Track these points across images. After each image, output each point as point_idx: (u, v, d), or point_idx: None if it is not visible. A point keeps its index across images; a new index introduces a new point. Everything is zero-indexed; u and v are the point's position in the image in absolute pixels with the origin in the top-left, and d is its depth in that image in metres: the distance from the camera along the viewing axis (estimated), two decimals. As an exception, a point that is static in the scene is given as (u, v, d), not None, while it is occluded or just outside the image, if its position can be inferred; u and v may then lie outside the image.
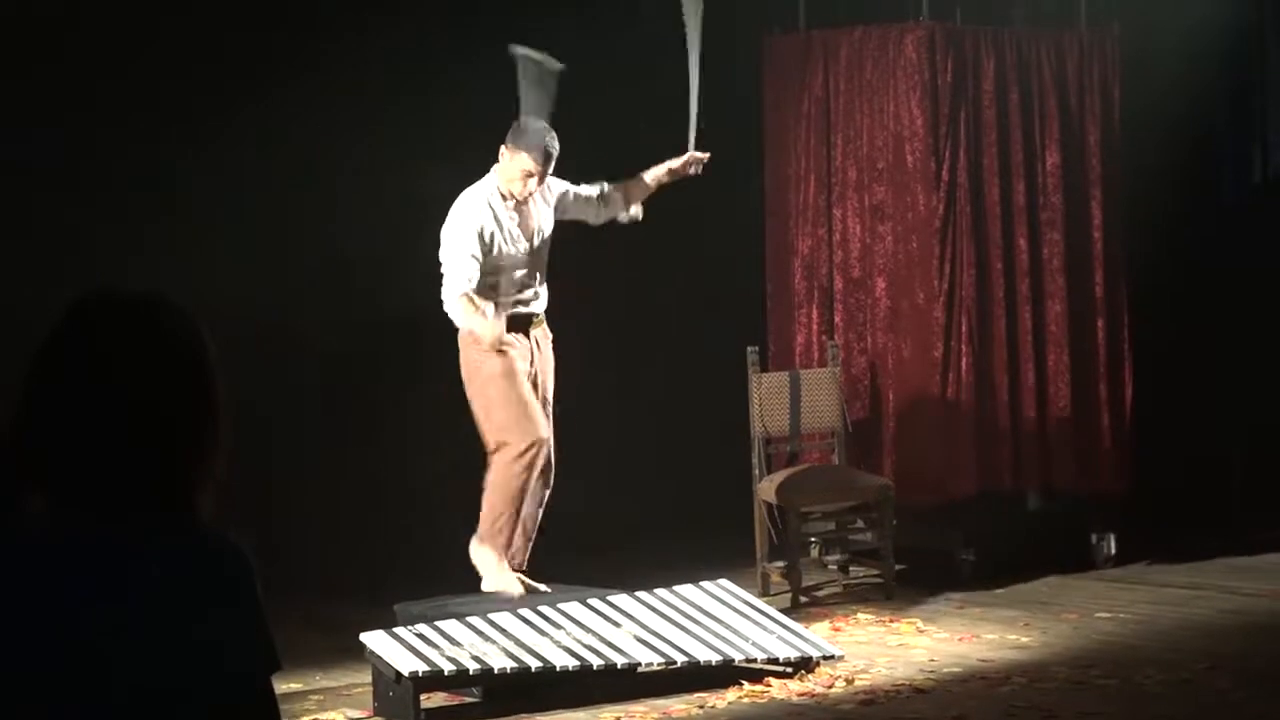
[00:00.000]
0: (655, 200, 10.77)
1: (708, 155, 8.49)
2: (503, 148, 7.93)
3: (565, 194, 8.25)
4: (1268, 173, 11.61)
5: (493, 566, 8.03)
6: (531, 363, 8.04)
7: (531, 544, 8.19)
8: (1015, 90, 10.12)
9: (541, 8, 9.83)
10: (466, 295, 7.77)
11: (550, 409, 8.14)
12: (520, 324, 8.02)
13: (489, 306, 7.80)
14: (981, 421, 9.96)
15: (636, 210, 8.44)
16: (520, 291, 8.03)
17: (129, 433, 2.43)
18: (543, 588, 8.16)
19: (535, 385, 8.06)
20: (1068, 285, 10.21)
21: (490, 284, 7.92)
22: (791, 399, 9.89)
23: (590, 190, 8.33)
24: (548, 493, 8.14)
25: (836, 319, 10.25)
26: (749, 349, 9.91)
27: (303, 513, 9.61)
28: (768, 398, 9.86)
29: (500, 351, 7.84)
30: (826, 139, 10.27)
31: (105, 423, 2.43)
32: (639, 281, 10.65)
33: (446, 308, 7.85)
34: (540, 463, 7.96)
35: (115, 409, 2.44)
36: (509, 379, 7.92)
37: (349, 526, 9.80)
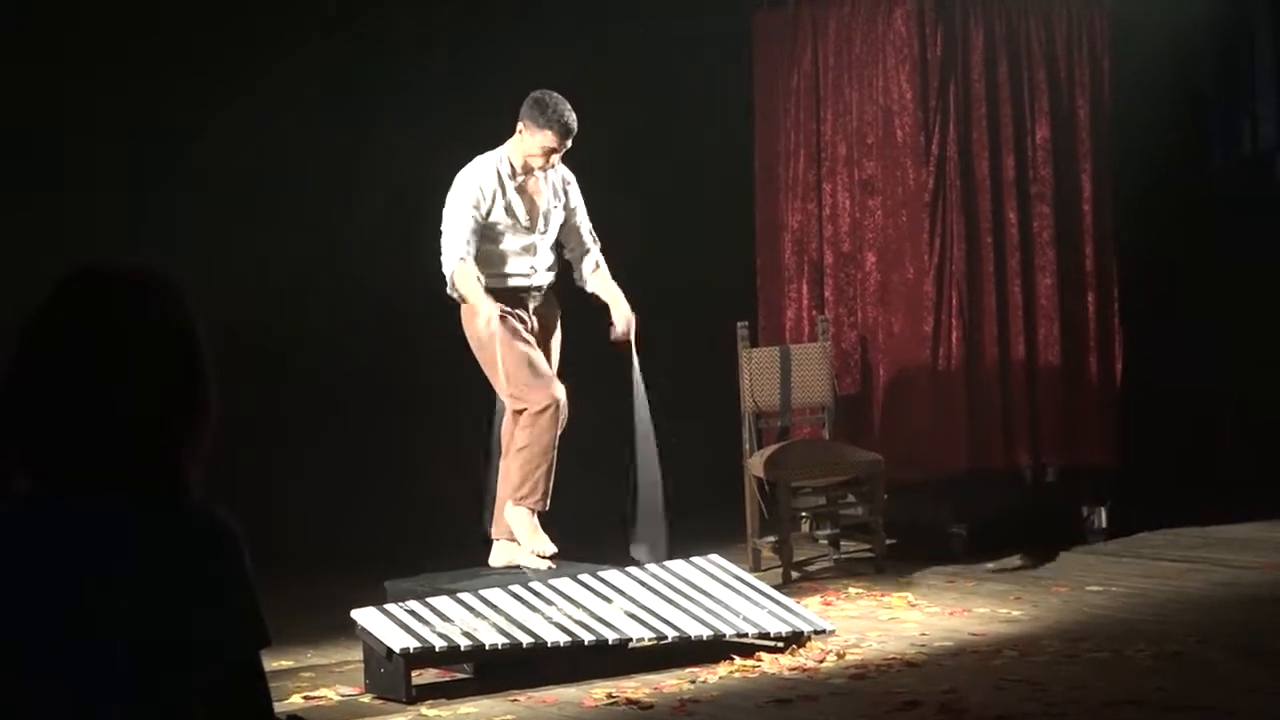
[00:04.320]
0: (647, 177, 10.79)
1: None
2: (520, 123, 7.83)
3: (572, 206, 8.15)
4: (1257, 144, 11.61)
5: (527, 528, 8.03)
6: (529, 336, 8.01)
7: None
8: (1004, 63, 10.11)
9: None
10: (461, 260, 7.73)
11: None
12: (516, 299, 7.98)
13: (479, 288, 7.73)
14: (972, 395, 9.96)
15: (591, 284, 8.23)
16: (516, 266, 7.98)
17: (117, 408, 2.43)
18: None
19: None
20: (1058, 258, 10.21)
21: (485, 250, 7.88)
22: (782, 374, 9.89)
23: (585, 235, 8.19)
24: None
25: (826, 294, 10.24)
26: (739, 324, 9.90)
27: (294, 489, 9.61)
28: (758, 373, 9.86)
29: (501, 318, 7.81)
30: (816, 114, 10.26)
31: (93, 398, 2.43)
32: (628, 256, 10.63)
33: (445, 272, 7.79)
34: (561, 416, 7.95)
35: (103, 384, 2.43)
36: (513, 340, 7.89)
37: (340, 503, 9.80)
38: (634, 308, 10.78)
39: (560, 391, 7.96)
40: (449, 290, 7.85)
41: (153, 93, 9.43)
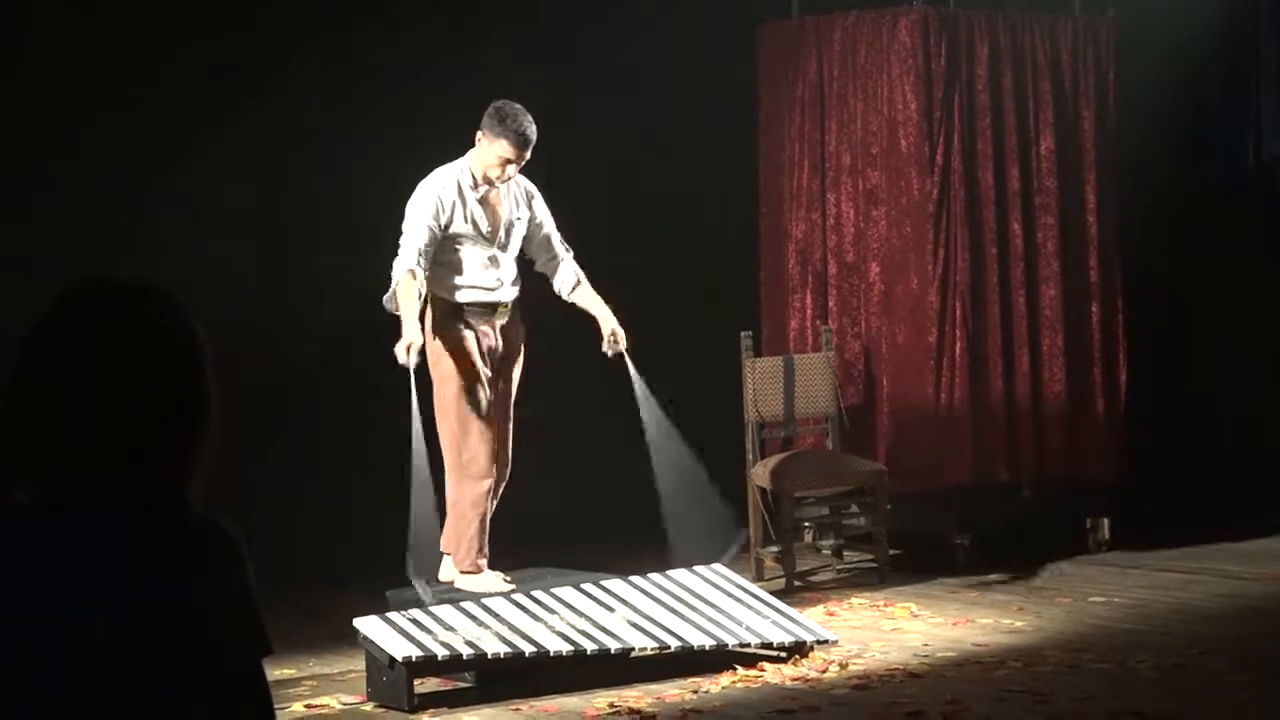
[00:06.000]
0: (650, 184, 10.79)
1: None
2: (479, 134, 7.77)
3: (537, 220, 8.08)
4: (1261, 157, 11.61)
5: (471, 578, 8.00)
6: (493, 354, 7.93)
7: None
8: (1009, 74, 10.11)
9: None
10: (410, 271, 7.63)
11: (511, 401, 8.04)
12: (484, 313, 7.91)
13: (414, 310, 7.59)
14: (975, 406, 9.95)
15: (572, 297, 8.20)
16: (482, 280, 7.88)
17: (120, 420, 2.43)
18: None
19: (496, 377, 7.96)
20: (1062, 269, 10.21)
21: (449, 262, 7.82)
22: (785, 384, 9.89)
23: (556, 246, 8.14)
24: (501, 485, 8.06)
25: (830, 304, 10.24)
26: (743, 334, 9.89)
27: (296, 499, 9.60)
28: (761, 383, 9.86)
29: (473, 375, 7.78)
30: (820, 124, 10.26)
31: (96, 410, 2.42)
32: (632, 266, 10.64)
33: (393, 277, 7.67)
34: (490, 472, 7.88)
35: (107, 396, 2.43)
36: (466, 379, 7.84)
37: (342, 512, 9.79)
38: (638, 317, 10.79)
39: (492, 444, 7.85)
40: (386, 300, 7.70)
41: (151, 95, 9.44)
